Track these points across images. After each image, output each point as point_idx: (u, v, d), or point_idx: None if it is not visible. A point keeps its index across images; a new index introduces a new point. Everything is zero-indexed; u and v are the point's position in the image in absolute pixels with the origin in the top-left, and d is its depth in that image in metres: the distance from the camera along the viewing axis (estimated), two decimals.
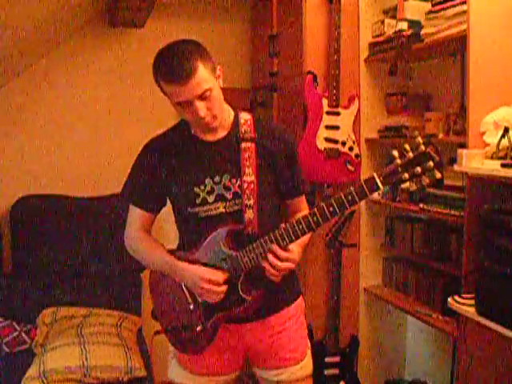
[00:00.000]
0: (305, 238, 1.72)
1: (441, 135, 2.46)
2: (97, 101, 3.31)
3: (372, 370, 3.06)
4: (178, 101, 1.60)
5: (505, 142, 1.99)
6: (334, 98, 2.72)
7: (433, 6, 2.43)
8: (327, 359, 2.82)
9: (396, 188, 2.66)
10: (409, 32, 2.50)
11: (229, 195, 1.70)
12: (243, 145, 1.71)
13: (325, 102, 2.72)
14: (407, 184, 1.51)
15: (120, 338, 2.66)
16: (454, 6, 2.28)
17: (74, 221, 3.11)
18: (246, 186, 1.69)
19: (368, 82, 2.89)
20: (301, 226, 1.60)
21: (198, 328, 1.74)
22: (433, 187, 2.45)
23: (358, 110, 2.80)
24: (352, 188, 1.54)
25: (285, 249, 1.63)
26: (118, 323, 2.83)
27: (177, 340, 1.81)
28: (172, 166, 1.74)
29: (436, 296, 2.60)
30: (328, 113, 2.73)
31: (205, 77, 1.58)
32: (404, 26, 2.52)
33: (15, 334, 2.78)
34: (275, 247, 1.61)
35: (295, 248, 1.66)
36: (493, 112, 2.10)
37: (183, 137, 1.76)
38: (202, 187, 1.70)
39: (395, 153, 1.51)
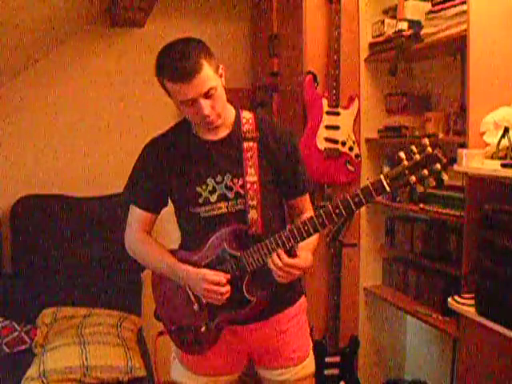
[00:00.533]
0: (312, 241, 1.71)
1: (441, 135, 2.46)
2: (97, 101, 3.31)
3: (372, 370, 3.06)
4: (183, 99, 1.59)
5: (505, 142, 1.99)
6: (334, 98, 2.72)
7: (433, 5, 2.44)
8: (327, 359, 2.82)
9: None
10: (409, 32, 2.49)
11: (231, 195, 1.70)
12: (245, 144, 1.71)
13: (325, 102, 2.72)
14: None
15: (120, 338, 2.66)
16: (454, 6, 2.28)
17: (74, 221, 3.11)
18: (248, 186, 1.68)
19: (368, 82, 2.89)
20: (306, 228, 1.59)
21: (203, 329, 1.73)
22: (434, 188, 2.45)
23: (358, 110, 2.80)
24: (359, 190, 1.53)
25: (291, 254, 1.62)
26: (118, 323, 2.82)
27: (181, 340, 1.81)
28: (173, 165, 1.73)
29: (436, 296, 2.60)
30: (328, 113, 2.73)
31: (209, 75, 1.58)
32: (404, 26, 2.52)
33: (15, 334, 2.78)
34: (280, 252, 1.60)
35: (303, 254, 1.66)
36: (493, 112, 2.10)
37: (184, 136, 1.75)
38: (204, 187, 1.70)
39: (402, 154, 1.50)
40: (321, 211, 1.58)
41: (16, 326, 2.80)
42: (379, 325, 3.07)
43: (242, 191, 1.69)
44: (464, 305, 2.08)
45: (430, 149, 1.47)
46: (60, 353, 2.48)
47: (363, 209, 2.95)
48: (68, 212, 3.11)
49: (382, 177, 1.52)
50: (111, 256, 3.05)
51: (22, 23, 2.45)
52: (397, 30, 2.55)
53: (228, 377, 1.84)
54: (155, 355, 1.98)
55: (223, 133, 1.73)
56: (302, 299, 1.88)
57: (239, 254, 1.67)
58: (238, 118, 1.76)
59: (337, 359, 2.84)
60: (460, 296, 2.14)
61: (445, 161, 1.47)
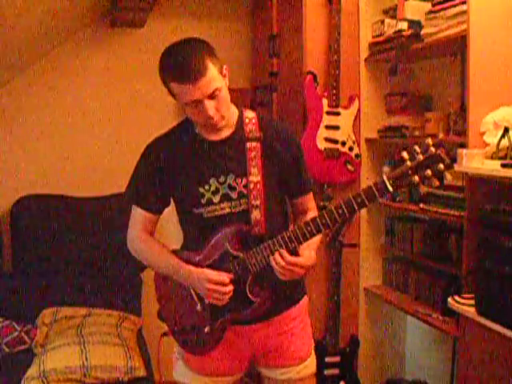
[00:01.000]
0: (315, 240, 1.70)
1: (441, 135, 2.46)
2: (97, 101, 3.31)
3: (372, 370, 3.06)
4: (188, 100, 1.58)
5: (505, 142, 1.99)
6: (334, 98, 2.72)
7: (433, 5, 2.43)
8: (327, 359, 2.82)
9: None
10: (409, 32, 2.50)
11: (234, 195, 1.69)
12: (248, 144, 1.70)
13: (325, 101, 2.72)
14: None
15: (120, 338, 2.66)
16: (454, 5, 2.28)
17: (74, 221, 3.11)
18: (252, 186, 1.67)
19: (368, 81, 2.89)
20: (309, 228, 1.59)
21: (206, 329, 1.73)
22: (435, 188, 2.45)
23: (358, 110, 2.81)
24: (361, 191, 1.53)
25: (294, 253, 1.62)
26: (118, 323, 2.82)
27: (184, 341, 1.80)
28: (176, 165, 1.72)
29: (436, 296, 2.60)
30: (328, 113, 2.73)
31: (214, 76, 1.57)
32: (404, 26, 2.52)
33: (15, 334, 2.78)
34: (283, 251, 1.60)
35: (306, 252, 1.66)
36: (493, 112, 2.10)
37: (187, 136, 1.74)
38: (207, 187, 1.69)
39: (405, 155, 1.50)
40: (323, 212, 1.58)
41: (16, 326, 2.80)
42: (379, 325, 3.07)
43: (245, 191, 1.68)
44: (464, 305, 2.07)
45: (433, 149, 1.47)
46: (60, 353, 2.48)
47: (363, 209, 2.95)
48: (68, 212, 3.11)
49: (384, 177, 1.51)
50: (111, 256, 3.05)
51: (22, 23, 2.45)
52: (397, 30, 2.55)
53: (231, 377, 1.83)
54: (158, 356, 1.98)
55: (226, 133, 1.72)
56: (305, 299, 1.88)
57: (242, 254, 1.66)
58: (240, 117, 1.75)
59: (337, 359, 2.84)
60: (460, 296, 2.13)
61: (448, 161, 1.46)
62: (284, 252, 1.60)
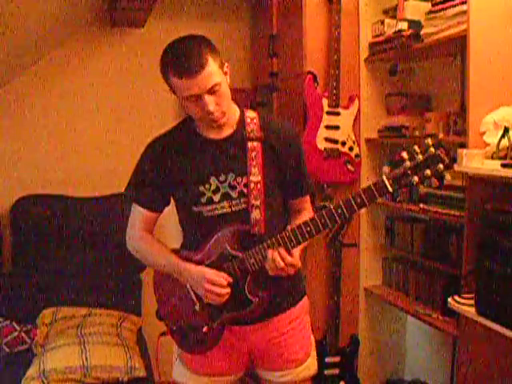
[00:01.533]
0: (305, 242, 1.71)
1: (441, 135, 2.46)
2: (97, 100, 3.31)
3: (372, 370, 3.06)
4: (187, 95, 1.58)
5: (505, 142, 1.98)
6: (334, 98, 2.72)
7: (433, 5, 2.44)
8: (327, 359, 2.82)
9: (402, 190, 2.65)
10: (409, 32, 2.50)
11: (234, 194, 1.69)
12: (249, 144, 1.70)
13: (325, 101, 2.72)
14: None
15: (120, 338, 2.66)
16: (454, 6, 2.28)
17: (74, 221, 3.11)
18: (252, 185, 1.67)
19: (368, 82, 2.89)
20: (308, 229, 1.59)
21: (204, 329, 1.73)
22: (436, 189, 2.45)
23: (358, 110, 2.81)
24: (361, 190, 1.53)
25: (290, 253, 1.62)
26: (118, 323, 2.82)
27: (182, 340, 1.81)
28: (176, 164, 1.72)
29: (436, 296, 2.60)
30: (328, 113, 2.73)
31: (214, 70, 1.58)
32: (404, 26, 2.52)
33: (15, 333, 2.78)
34: (282, 252, 1.60)
35: (297, 253, 1.66)
36: (493, 112, 2.10)
37: (188, 135, 1.75)
38: (207, 186, 1.69)
39: (405, 155, 1.50)
40: (323, 212, 1.57)
41: (16, 326, 2.80)
42: (379, 325, 3.07)
43: (245, 190, 1.68)
44: (464, 305, 2.08)
45: (432, 149, 1.47)
46: (60, 353, 2.48)
47: (363, 209, 2.95)
48: (68, 212, 3.11)
49: (384, 177, 1.51)
50: (111, 256, 3.05)
51: (22, 24, 2.45)
52: (397, 29, 2.55)
53: (229, 377, 1.83)
54: (156, 355, 1.98)
55: (227, 132, 1.72)
56: (305, 300, 1.87)
57: (241, 254, 1.66)
58: (242, 117, 1.75)
59: (337, 359, 2.84)
60: (460, 296, 2.14)
61: (447, 161, 1.46)
62: (284, 252, 1.60)
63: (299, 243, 1.61)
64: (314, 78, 2.72)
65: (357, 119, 2.81)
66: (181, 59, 1.55)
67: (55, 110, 3.25)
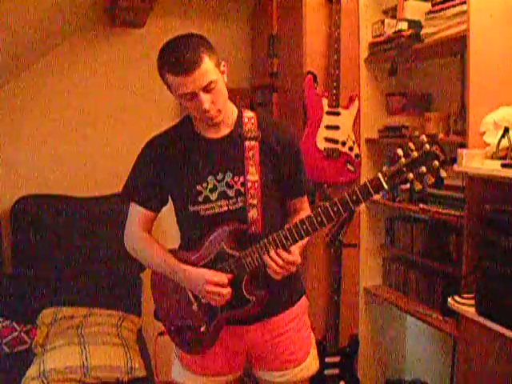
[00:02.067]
0: (305, 240, 1.71)
1: (441, 135, 2.46)
2: (97, 100, 3.31)
3: (372, 369, 3.06)
4: (183, 92, 1.59)
5: (505, 142, 1.99)
6: (334, 98, 2.72)
7: (433, 5, 2.44)
8: (327, 359, 2.82)
9: (398, 187, 2.65)
10: (409, 32, 2.49)
11: (231, 193, 1.69)
12: (247, 143, 1.70)
13: (325, 101, 2.72)
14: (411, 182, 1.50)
15: (120, 338, 2.66)
16: (454, 6, 2.28)
17: (74, 221, 3.11)
18: (249, 185, 1.68)
19: (368, 82, 2.89)
20: (304, 227, 1.59)
21: (202, 328, 1.73)
22: (433, 187, 2.45)
23: (358, 110, 2.80)
24: (356, 188, 1.53)
25: (288, 251, 1.62)
26: (118, 323, 2.82)
27: (180, 340, 1.81)
28: (174, 163, 1.72)
29: (436, 296, 2.60)
30: (328, 113, 2.73)
31: (210, 68, 1.58)
32: (404, 26, 2.52)
33: (15, 334, 2.78)
34: (280, 250, 1.60)
35: (297, 250, 1.66)
36: (493, 112, 2.10)
37: (186, 134, 1.75)
38: (205, 185, 1.69)
39: (400, 151, 1.50)
40: (319, 210, 1.57)
41: (16, 326, 2.80)
42: (379, 325, 3.07)
43: (242, 189, 1.69)
44: (464, 305, 2.07)
45: (427, 146, 1.46)
46: (60, 353, 2.48)
47: (363, 209, 2.95)
48: (68, 212, 3.11)
49: (379, 174, 1.52)
50: (111, 256, 3.05)
51: (22, 24, 2.45)
52: (397, 30, 2.55)
53: (227, 377, 1.83)
54: (155, 355, 1.98)
55: (225, 131, 1.73)
56: (303, 300, 1.87)
57: (238, 253, 1.66)
58: (240, 117, 1.75)
59: (337, 359, 2.84)
60: (460, 296, 2.13)
61: (443, 157, 1.46)
62: (280, 250, 1.60)
63: (296, 241, 1.61)
64: (314, 78, 2.72)
65: (357, 119, 2.81)
66: (176, 57, 1.56)
67: (55, 110, 3.25)
